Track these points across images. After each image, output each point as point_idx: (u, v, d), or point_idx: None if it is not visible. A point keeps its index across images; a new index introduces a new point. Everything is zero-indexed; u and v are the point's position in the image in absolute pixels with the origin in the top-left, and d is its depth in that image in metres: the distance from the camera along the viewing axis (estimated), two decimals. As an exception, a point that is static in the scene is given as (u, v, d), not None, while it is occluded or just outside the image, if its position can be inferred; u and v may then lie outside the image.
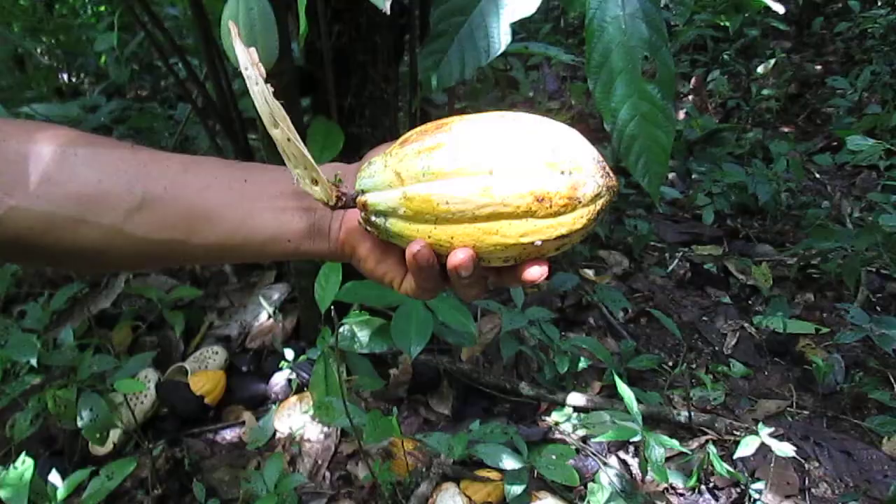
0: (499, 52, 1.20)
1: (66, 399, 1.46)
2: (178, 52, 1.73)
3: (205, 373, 1.83)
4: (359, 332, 1.52)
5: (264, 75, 0.48)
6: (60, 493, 1.31)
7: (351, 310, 1.58)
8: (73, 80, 3.32)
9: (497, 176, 0.45)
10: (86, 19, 3.02)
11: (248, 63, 0.48)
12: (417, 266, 0.48)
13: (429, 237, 0.48)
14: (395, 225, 0.49)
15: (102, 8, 3.16)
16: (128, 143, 0.52)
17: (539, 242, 0.47)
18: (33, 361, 1.41)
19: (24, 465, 1.25)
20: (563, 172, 0.45)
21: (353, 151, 1.69)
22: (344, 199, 0.50)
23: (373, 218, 0.50)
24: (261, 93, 0.49)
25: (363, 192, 0.50)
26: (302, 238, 0.52)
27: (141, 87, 3.18)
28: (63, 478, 1.38)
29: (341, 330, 1.53)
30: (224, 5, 1.28)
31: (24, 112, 1.90)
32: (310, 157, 0.49)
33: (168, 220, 0.49)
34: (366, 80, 1.63)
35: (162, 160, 0.51)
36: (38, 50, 3.04)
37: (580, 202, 0.46)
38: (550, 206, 0.45)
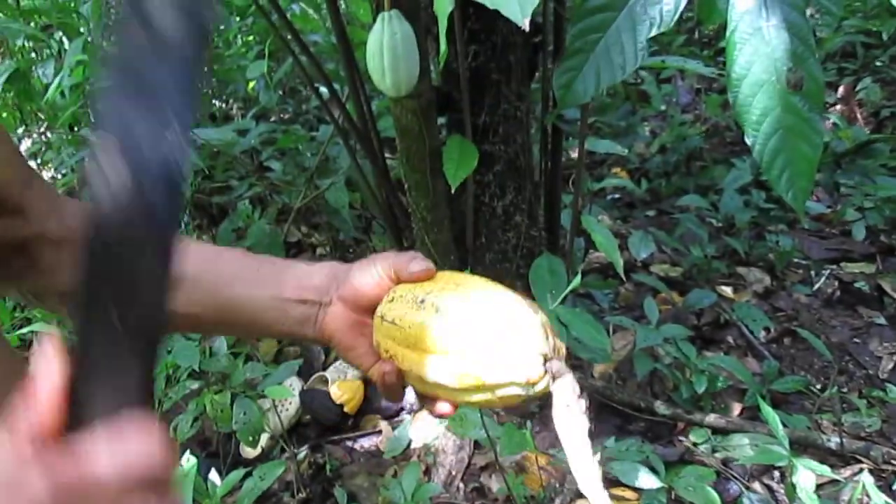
0: (634, 68, 1.20)
1: (222, 403, 1.57)
2: (322, 76, 1.84)
3: (344, 382, 1.91)
4: (493, 345, 1.54)
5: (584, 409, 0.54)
6: (220, 491, 1.41)
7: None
8: (224, 106, 3.57)
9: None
10: (237, 50, 3.25)
11: (572, 398, 0.53)
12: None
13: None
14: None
15: (251, 38, 3.39)
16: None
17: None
18: (195, 366, 1.53)
19: (189, 463, 1.35)
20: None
21: (487, 168, 1.72)
22: None
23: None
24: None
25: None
26: (293, 323, 0.60)
27: (284, 111, 3.37)
28: (220, 476, 1.48)
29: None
30: (367, 32, 1.35)
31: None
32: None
33: (194, 297, 0.58)
34: (499, 98, 1.66)
35: (200, 248, 0.62)
36: (195, 79, 3.29)
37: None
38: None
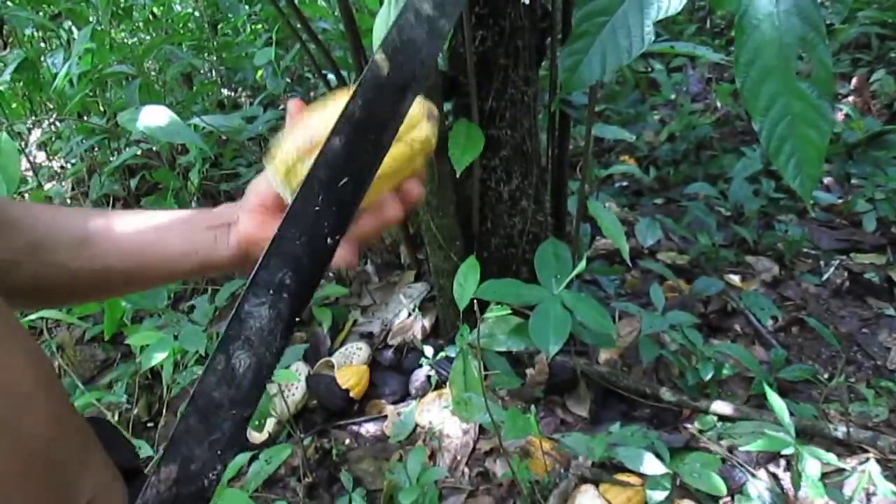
0: (640, 52, 1.19)
1: (228, 387, 1.57)
2: (330, 63, 1.84)
3: (350, 367, 1.91)
4: (497, 329, 1.54)
5: None
6: (227, 474, 1.41)
7: (488, 307, 1.61)
8: (233, 93, 3.58)
9: None
10: (245, 37, 3.25)
11: None
12: None
13: None
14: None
15: (259, 26, 3.39)
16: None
17: None
18: (202, 350, 1.54)
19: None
20: None
21: (493, 153, 1.72)
22: None
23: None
24: None
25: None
26: (206, 249, 0.62)
27: (292, 98, 3.37)
28: (226, 460, 1.49)
29: (480, 328, 1.56)
30: (374, 18, 1.34)
31: (194, 123, 2.07)
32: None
33: (101, 251, 0.62)
34: (507, 83, 1.65)
35: (107, 213, 0.64)
36: (204, 67, 3.30)
37: None
38: None
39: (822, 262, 2.34)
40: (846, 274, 2.28)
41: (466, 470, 1.67)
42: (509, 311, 1.51)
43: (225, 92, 3.48)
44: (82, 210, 0.66)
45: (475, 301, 1.29)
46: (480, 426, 1.73)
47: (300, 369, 1.95)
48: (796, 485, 1.46)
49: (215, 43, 3.04)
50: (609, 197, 2.80)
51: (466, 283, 1.50)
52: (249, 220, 0.60)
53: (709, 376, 1.68)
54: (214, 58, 3.17)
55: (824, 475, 1.50)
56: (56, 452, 0.45)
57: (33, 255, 0.60)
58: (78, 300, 0.66)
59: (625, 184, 3.08)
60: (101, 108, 2.82)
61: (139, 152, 2.47)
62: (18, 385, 0.42)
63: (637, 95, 3.55)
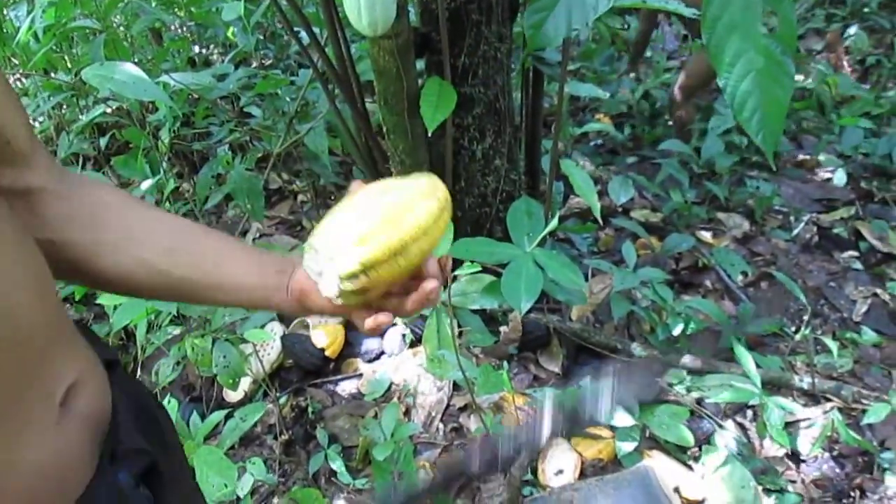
0: (607, 8, 1.19)
1: (203, 348, 1.58)
2: (301, 19, 1.80)
3: (325, 326, 1.92)
4: (470, 288, 1.55)
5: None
6: (201, 431, 1.43)
7: (461, 266, 1.61)
8: (204, 51, 3.50)
9: None
10: (215, -8, 3.17)
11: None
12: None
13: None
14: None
15: (229, -19, 3.31)
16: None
17: None
18: (173, 311, 1.54)
19: (170, 405, 1.37)
20: None
21: (466, 111, 1.71)
22: None
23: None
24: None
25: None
26: (272, 290, 0.66)
27: (265, 56, 3.31)
28: (202, 420, 1.50)
29: (453, 286, 1.57)
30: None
31: (163, 81, 2.03)
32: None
33: (186, 263, 0.65)
34: (479, 39, 1.64)
35: (193, 226, 0.67)
36: (174, 23, 3.22)
37: None
38: None
39: (792, 218, 2.37)
40: (815, 229, 2.32)
41: (441, 426, 1.70)
42: (479, 269, 1.52)
43: (196, 49, 3.41)
44: (169, 215, 0.68)
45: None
46: (454, 383, 1.75)
47: (275, 329, 1.96)
48: (762, 434, 1.51)
49: (185, -1, 2.97)
50: (583, 156, 2.80)
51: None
52: (304, 274, 0.62)
53: (678, 331, 1.71)
54: (184, 13, 3.09)
55: (790, 424, 1.54)
56: (42, 330, 0.48)
57: (120, 245, 0.62)
58: (134, 295, 0.68)
59: (600, 142, 3.08)
60: (68, 65, 2.75)
61: (108, 110, 2.42)
62: (10, 267, 0.45)
63: (612, 53, 3.54)
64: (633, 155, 2.88)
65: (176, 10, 3.05)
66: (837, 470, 1.48)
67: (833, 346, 1.74)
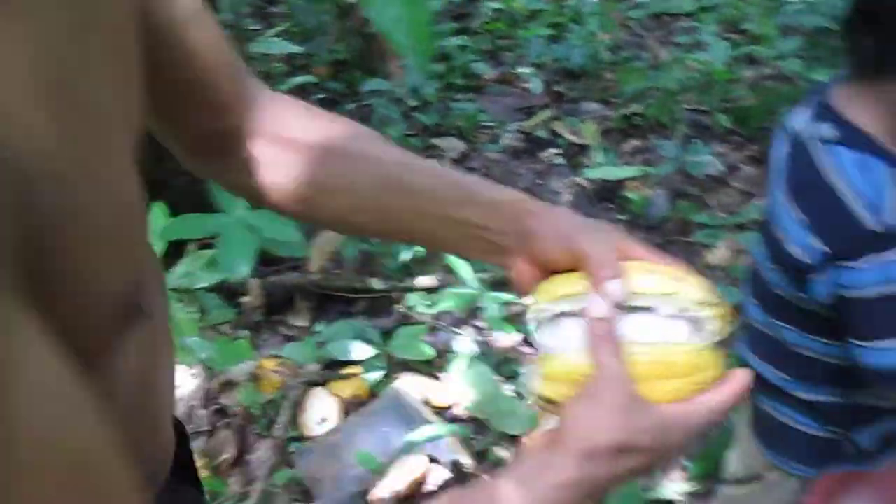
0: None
1: None
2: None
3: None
4: (193, 266, 1.52)
5: None
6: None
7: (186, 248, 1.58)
8: None
9: None
10: None
11: None
12: None
13: None
14: None
15: None
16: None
17: None
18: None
19: None
20: None
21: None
22: None
23: None
24: None
25: None
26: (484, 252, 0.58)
27: None
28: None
29: (176, 270, 1.53)
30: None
31: None
32: None
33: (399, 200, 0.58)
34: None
35: (411, 161, 0.60)
36: None
37: None
38: None
39: (498, 131, 2.56)
40: (521, 136, 2.52)
41: (203, 412, 1.66)
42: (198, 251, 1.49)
43: None
44: (419, 162, 0.61)
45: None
46: (210, 367, 1.72)
47: None
48: (495, 327, 1.65)
49: None
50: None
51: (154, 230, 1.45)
52: (522, 264, 0.53)
53: (410, 257, 1.80)
54: None
55: (516, 316, 1.70)
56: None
57: (378, 192, 0.56)
58: (361, 234, 0.61)
59: (322, 95, 3.08)
60: None
61: None
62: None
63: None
64: (349, 102, 2.93)
65: None
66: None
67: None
